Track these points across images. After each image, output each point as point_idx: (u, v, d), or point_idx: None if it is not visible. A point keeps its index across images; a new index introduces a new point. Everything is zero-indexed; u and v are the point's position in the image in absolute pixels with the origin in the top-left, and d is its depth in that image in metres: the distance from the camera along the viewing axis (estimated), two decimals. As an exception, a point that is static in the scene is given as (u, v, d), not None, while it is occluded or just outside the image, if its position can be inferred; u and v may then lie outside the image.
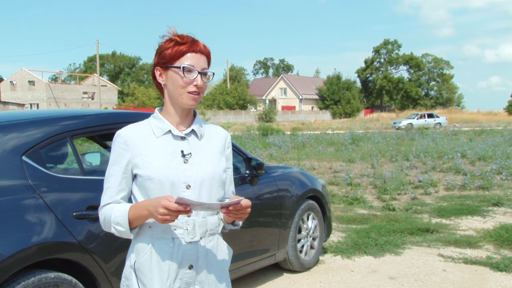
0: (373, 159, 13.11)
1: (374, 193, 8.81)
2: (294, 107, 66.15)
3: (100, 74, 62.02)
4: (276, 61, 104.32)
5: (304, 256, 4.69)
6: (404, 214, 7.07)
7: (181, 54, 1.62)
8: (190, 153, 1.67)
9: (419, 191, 8.87)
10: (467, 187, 9.06)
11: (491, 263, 4.75)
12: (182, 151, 1.66)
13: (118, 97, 63.25)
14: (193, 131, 1.71)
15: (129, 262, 1.71)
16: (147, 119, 1.73)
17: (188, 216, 1.63)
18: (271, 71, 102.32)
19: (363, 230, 6.13)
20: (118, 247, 2.79)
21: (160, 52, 1.66)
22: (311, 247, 4.83)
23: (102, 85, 57.14)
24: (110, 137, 4.13)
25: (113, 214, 1.61)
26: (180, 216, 1.62)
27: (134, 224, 1.60)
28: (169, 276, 1.62)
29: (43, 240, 2.53)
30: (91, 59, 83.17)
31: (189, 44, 1.63)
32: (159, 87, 1.72)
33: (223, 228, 1.77)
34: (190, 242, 1.64)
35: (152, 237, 1.64)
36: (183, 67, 1.61)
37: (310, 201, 4.76)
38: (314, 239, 4.86)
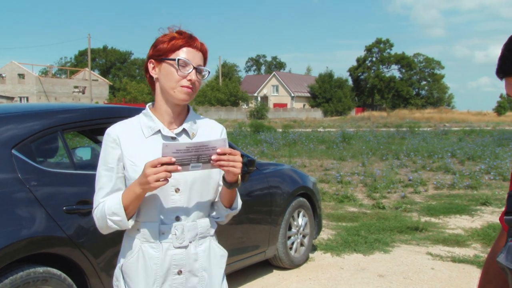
0: (363, 158, 13.17)
1: (365, 191, 8.86)
2: (285, 105, 66.11)
3: (91, 69, 61.56)
4: (269, 58, 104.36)
5: (294, 253, 4.71)
6: (393, 212, 7.12)
7: (177, 47, 1.57)
8: None
9: (409, 190, 8.93)
10: (456, 186, 9.15)
11: (479, 262, 4.80)
12: None
13: (110, 92, 62.83)
14: (184, 130, 1.64)
15: (118, 263, 1.68)
16: (137, 116, 1.67)
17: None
18: (263, 68, 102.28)
19: (353, 228, 6.16)
20: (108, 242, 2.78)
21: (155, 45, 1.61)
22: (301, 244, 4.84)
23: (93, 80, 56.73)
24: (101, 132, 4.12)
25: (107, 206, 1.55)
26: (168, 221, 1.57)
27: (130, 209, 1.53)
28: (155, 281, 1.58)
29: (32, 234, 2.51)
30: (82, 53, 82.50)
31: (186, 39, 1.58)
32: (151, 82, 1.66)
33: (220, 215, 1.70)
34: (179, 247, 1.59)
35: (140, 240, 1.60)
36: (178, 60, 1.55)
37: (301, 199, 4.77)
38: (304, 236, 4.88)
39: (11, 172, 2.59)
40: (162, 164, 1.41)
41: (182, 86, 1.57)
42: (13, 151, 2.64)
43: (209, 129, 1.71)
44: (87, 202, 2.77)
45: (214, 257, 1.68)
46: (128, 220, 1.54)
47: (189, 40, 1.58)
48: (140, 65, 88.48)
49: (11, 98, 48.03)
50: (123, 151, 1.59)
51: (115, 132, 1.60)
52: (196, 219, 1.62)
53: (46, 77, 55.67)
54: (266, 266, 4.71)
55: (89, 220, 2.76)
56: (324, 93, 66.09)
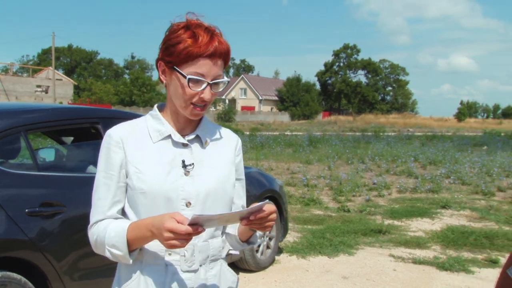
0: (330, 161, 13.37)
1: (330, 195, 9.00)
2: (253, 108, 66.36)
3: (56, 68, 59.99)
4: (237, 61, 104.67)
5: (260, 255, 4.74)
6: (358, 215, 7.26)
7: (191, 58, 1.30)
8: (193, 163, 1.39)
9: (373, 193, 9.13)
10: (418, 190, 9.42)
11: (438, 263, 4.97)
12: (183, 161, 1.38)
13: (74, 92, 61.37)
14: (197, 137, 1.43)
15: (114, 285, 1.45)
16: (143, 117, 1.46)
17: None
18: (231, 70, 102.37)
19: (318, 230, 6.25)
20: (72, 245, 2.74)
21: (167, 45, 1.34)
22: (267, 247, 4.88)
23: (57, 79, 55.29)
24: (66, 132, 4.04)
25: (108, 234, 1.31)
26: None
27: (134, 245, 1.31)
28: None
29: (-8, 237, 2.44)
30: (46, 52, 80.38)
31: (204, 46, 1.30)
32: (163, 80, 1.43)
33: (234, 248, 1.51)
34: (187, 271, 1.37)
35: (141, 262, 1.36)
36: (189, 78, 1.31)
37: (268, 201, 4.80)
38: (270, 239, 4.92)
39: (-29, 173, 2.51)
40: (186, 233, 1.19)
41: (192, 104, 1.35)
42: (-27, 152, 2.56)
43: (223, 139, 1.50)
44: (50, 204, 2.72)
45: (225, 283, 1.48)
46: (130, 254, 1.31)
47: (207, 48, 1.30)
48: (106, 65, 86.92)
49: (-31, 96, 46.24)
50: (127, 157, 1.37)
51: (118, 135, 1.38)
52: (208, 239, 1.40)
53: (6, 75, 53.85)
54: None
55: (52, 222, 2.71)
56: (292, 96, 66.71)
